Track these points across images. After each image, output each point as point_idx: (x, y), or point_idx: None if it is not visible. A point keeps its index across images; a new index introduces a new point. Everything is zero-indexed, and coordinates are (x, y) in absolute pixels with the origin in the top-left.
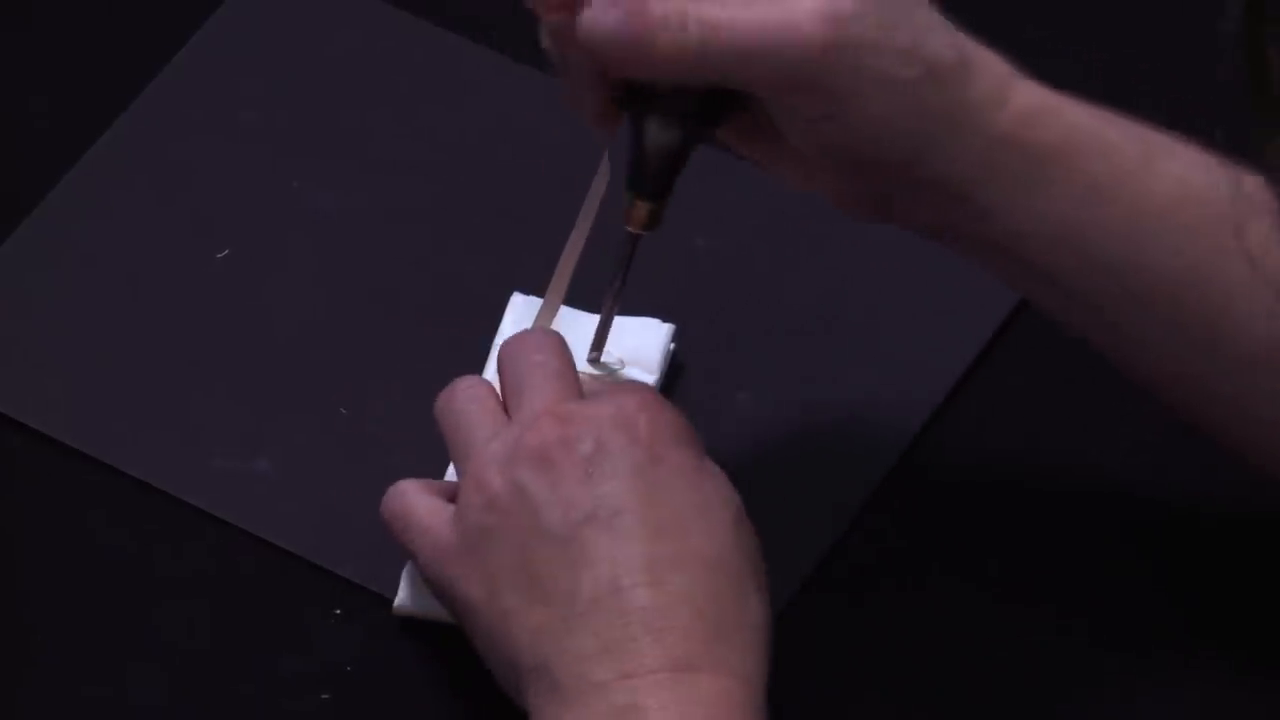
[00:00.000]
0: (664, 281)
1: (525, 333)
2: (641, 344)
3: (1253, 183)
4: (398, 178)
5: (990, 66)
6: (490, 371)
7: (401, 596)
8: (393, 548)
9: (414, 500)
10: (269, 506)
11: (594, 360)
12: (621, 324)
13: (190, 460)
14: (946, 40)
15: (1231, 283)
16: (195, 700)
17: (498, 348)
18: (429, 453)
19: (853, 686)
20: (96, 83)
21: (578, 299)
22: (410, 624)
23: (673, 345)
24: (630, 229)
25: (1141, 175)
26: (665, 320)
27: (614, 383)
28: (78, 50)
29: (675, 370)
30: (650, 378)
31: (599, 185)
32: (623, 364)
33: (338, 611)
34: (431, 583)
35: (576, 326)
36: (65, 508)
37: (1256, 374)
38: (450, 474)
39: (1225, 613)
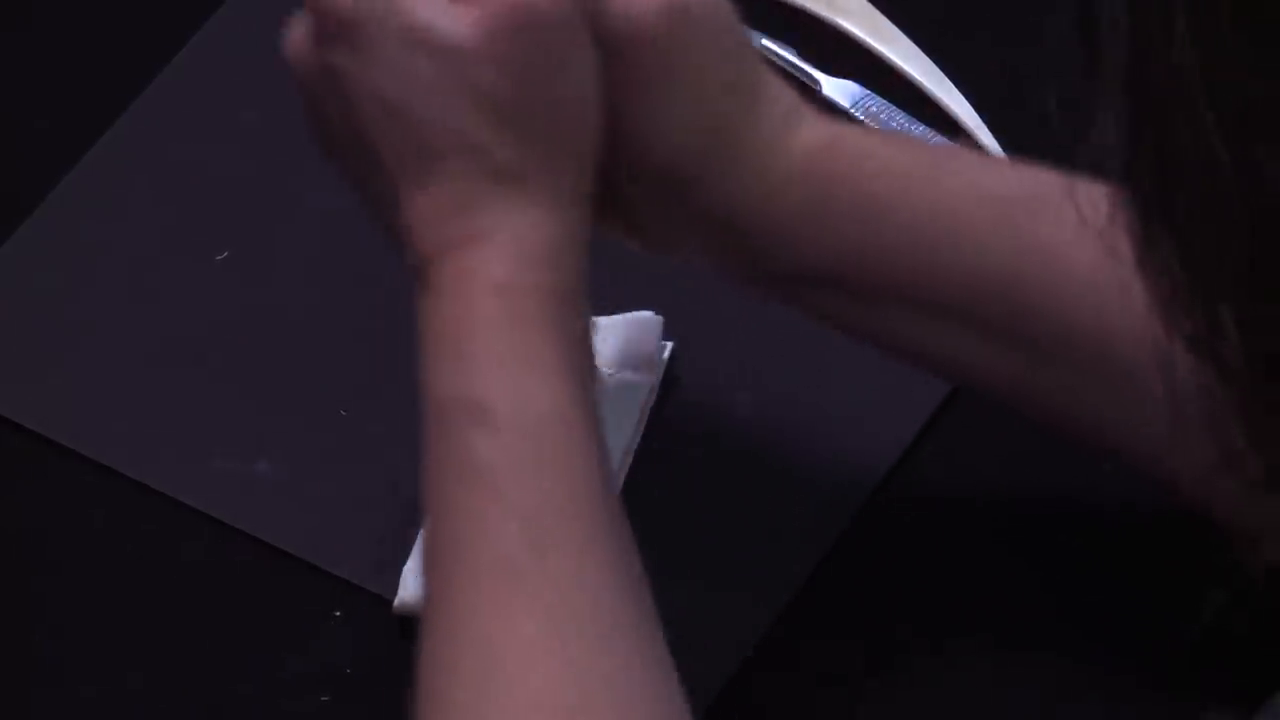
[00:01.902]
0: (661, 281)
1: None
2: (636, 343)
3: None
4: None
5: (781, 97)
6: None
7: (402, 595)
8: (393, 548)
9: None
10: (269, 508)
11: None
12: (612, 324)
13: (190, 462)
14: (754, 62)
15: (1031, 279)
16: (195, 700)
17: None
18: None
19: (870, 655)
20: (96, 83)
21: None
22: (410, 624)
23: (670, 344)
24: None
25: (927, 186)
26: (664, 319)
27: None
28: (78, 50)
29: (673, 371)
30: (649, 379)
31: None
32: (619, 368)
33: (338, 612)
34: None
35: None
36: (65, 508)
37: (1069, 364)
38: None
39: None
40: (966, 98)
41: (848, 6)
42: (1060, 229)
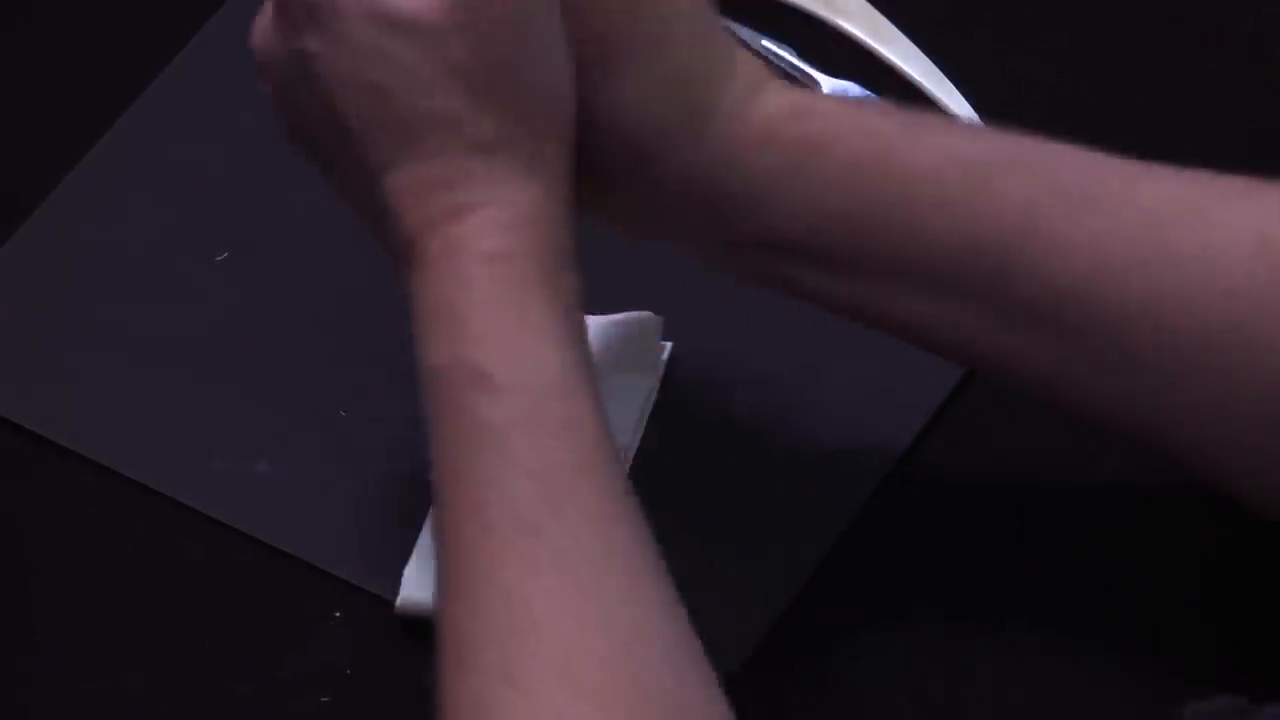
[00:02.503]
0: (661, 281)
1: None
2: (636, 344)
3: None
4: None
5: (746, 65)
6: None
7: (404, 594)
8: (393, 548)
9: None
10: (269, 508)
11: None
12: (611, 324)
13: (190, 462)
14: (718, 30)
15: (1006, 241)
16: (195, 700)
17: None
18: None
19: (874, 662)
20: (96, 83)
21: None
22: (410, 624)
23: (669, 344)
24: None
25: (903, 149)
26: (663, 318)
27: None
28: (78, 50)
29: (673, 371)
30: (649, 380)
31: None
32: (618, 369)
33: (337, 613)
34: None
35: None
36: (65, 508)
37: (1035, 326)
38: None
39: (1230, 635)
40: (966, 98)
41: (848, 7)
42: (1041, 191)
